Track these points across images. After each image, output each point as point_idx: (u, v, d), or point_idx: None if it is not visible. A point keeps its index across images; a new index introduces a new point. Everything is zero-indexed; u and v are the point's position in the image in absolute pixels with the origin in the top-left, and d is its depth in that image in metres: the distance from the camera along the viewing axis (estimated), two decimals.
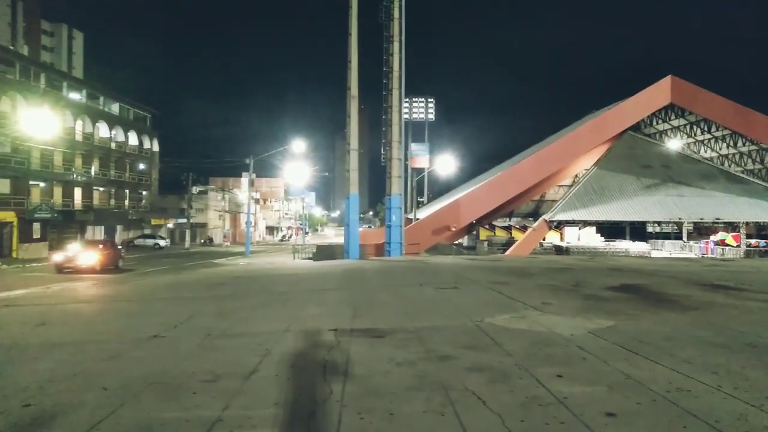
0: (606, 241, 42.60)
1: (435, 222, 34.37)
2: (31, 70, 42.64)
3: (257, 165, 46.53)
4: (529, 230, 37.71)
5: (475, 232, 44.55)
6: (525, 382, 4.77)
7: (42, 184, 41.92)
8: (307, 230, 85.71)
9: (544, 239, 38.66)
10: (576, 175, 43.21)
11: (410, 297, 10.71)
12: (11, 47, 53.94)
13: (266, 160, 49.81)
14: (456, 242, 45.37)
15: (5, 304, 12.49)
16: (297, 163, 55.79)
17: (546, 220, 35.82)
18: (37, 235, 38.14)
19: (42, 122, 36.46)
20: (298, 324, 7.92)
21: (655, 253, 37.21)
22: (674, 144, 45.08)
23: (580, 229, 41.13)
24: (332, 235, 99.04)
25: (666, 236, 49.34)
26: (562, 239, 41.30)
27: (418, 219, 40.60)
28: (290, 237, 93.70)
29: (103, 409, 4.39)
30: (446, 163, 54.50)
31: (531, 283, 12.55)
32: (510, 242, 39.65)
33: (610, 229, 45.78)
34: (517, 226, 46.53)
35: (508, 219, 49.86)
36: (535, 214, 46.45)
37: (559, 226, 39.11)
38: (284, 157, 54.20)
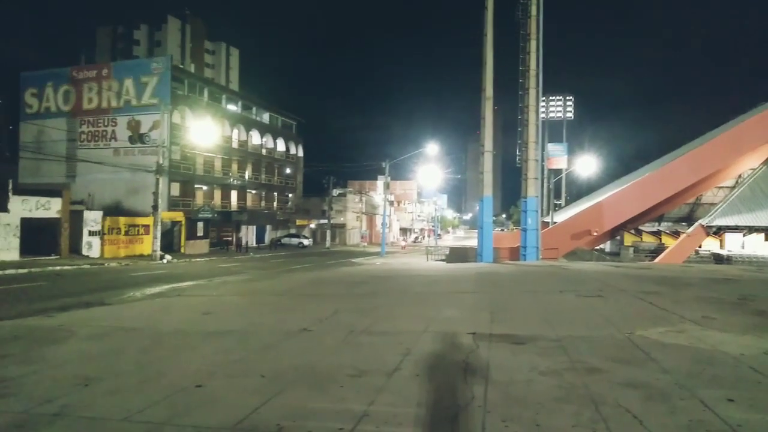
0: None
1: (574, 225, 32.62)
2: (196, 85, 47.93)
3: (392, 168, 47.84)
4: (683, 236, 34.28)
5: (619, 237, 41.57)
6: (688, 403, 4.35)
7: (204, 188, 46.90)
8: (439, 232, 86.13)
9: (699, 246, 34.92)
10: (739, 176, 38.41)
11: (550, 303, 10.30)
12: (181, 66, 61.12)
13: (400, 163, 51.11)
14: (597, 248, 42.72)
15: (177, 294, 14.19)
16: (430, 165, 56.42)
17: (703, 226, 32.28)
18: (200, 233, 42.74)
19: (205, 132, 40.80)
20: (436, 325, 8.00)
21: None
22: None
23: (744, 235, 36.55)
24: (464, 238, 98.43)
25: None
26: (722, 247, 37.02)
27: (555, 222, 38.84)
28: (422, 239, 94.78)
29: (261, 395, 4.81)
30: (587, 164, 51.56)
31: (687, 294, 11.42)
32: (659, 249, 36.38)
33: None
34: (668, 232, 42.62)
35: (656, 224, 45.89)
36: (688, 219, 42.17)
37: (718, 232, 35.08)
38: (418, 160, 55.13)
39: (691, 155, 33.71)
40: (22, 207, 27.00)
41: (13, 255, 26.05)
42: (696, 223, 33.91)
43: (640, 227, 41.90)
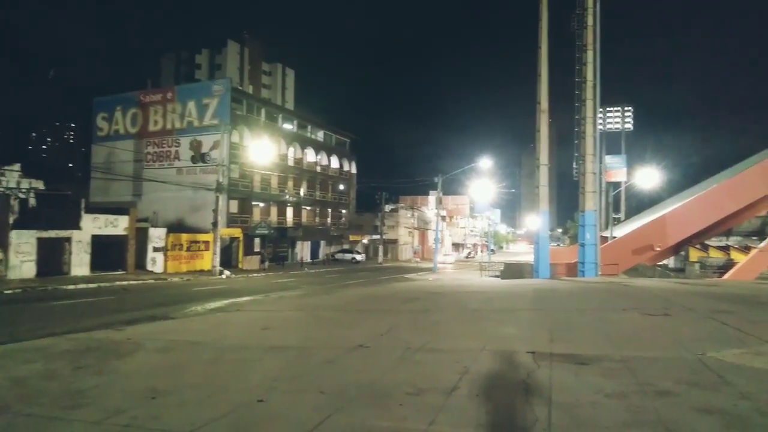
0: None
1: (635, 240, 31.38)
2: (254, 105, 49.54)
3: (444, 183, 47.61)
4: (755, 251, 32.33)
5: (683, 253, 39.60)
6: None
7: (261, 205, 48.17)
8: (492, 248, 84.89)
9: None
10: None
11: (612, 322, 9.91)
12: (240, 87, 63.44)
13: (453, 177, 50.77)
14: (660, 263, 40.88)
15: (237, 308, 14.57)
16: (482, 180, 55.80)
17: None
18: (257, 248, 43.83)
19: (262, 150, 42.01)
20: (494, 343, 7.85)
21: None
22: None
23: None
24: (518, 253, 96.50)
25: None
26: None
27: (614, 237, 37.49)
28: (474, 254, 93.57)
29: (322, 411, 4.85)
30: (648, 176, 49.60)
31: (763, 313, 10.74)
32: (728, 265, 34.39)
33: None
34: (738, 247, 40.25)
35: (725, 238, 43.47)
36: (760, 233, 39.74)
37: None
38: (470, 175, 54.68)
39: (762, 165, 31.86)
40: (92, 225, 28.55)
41: (85, 270, 27.53)
42: None
43: (707, 242, 39.80)
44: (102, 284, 23.77)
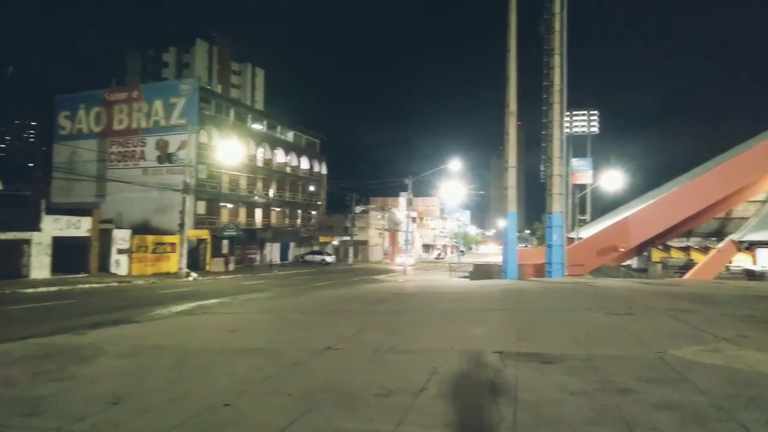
0: None
1: (600, 242, 32.10)
2: (223, 105, 48.84)
3: (415, 185, 47.74)
4: (713, 252, 33.46)
5: (646, 253, 40.70)
6: (726, 426, 4.22)
7: (230, 206, 47.50)
8: (462, 249, 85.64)
9: (730, 262, 34.01)
10: None
11: (578, 322, 10.12)
12: (208, 87, 62.45)
13: (423, 179, 50.98)
14: (624, 264, 41.89)
15: (203, 311, 14.33)
16: (452, 182, 56.20)
17: (734, 241, 31.52)
18: (224, 250, 43.16)
19: (231, 151, 41.44)
20: (462, 344, 7.91)
21: None
22: None
23: None
24: (487, 254, 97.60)
25: None
26: (754, 262, 35.97)
27: (580, 238, 38.26)
28: (444, 255, 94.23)
29: (289, 414, 4.81)
30: (612, 179, 50.78)
31: (720, 312, 11.11)
32: (688, 265, 35.50)
33: None
34: (697, 247, 41.57)
35: (686, 239, 44.84)
36: (719, 234, 41.11)
37: (750, 247, 34.14)
38: (441, 176, 54.98)
39: (721, 169, 33.01)
40: (53, 226, 27.68)
41: (45, 273, 26.68)
42: (727, 238, 33.10)
43: (669, 243, 41.01)
44: (63, 287, 23.08)
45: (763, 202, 36.86)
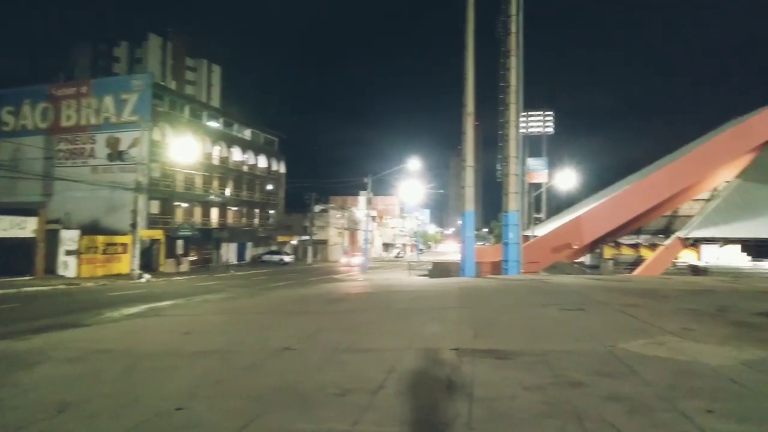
0: (753, 261, 38.06)
1: (555, 239, 32.94)
2: (177, 102, 47.68)
3: (374, 184, 47.89)
4: (661, 248, 34.82)
5: (598, 250, 42.00)
6: (670, 416, 4.39)
7: (184, 205, 46.40)
8: (421, 247, 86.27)
9: (677, 258, 35.49)
10: (715, 188, 39.28)
11: (533, 318, 10.34)
12: (162, 83, 60.79)
13: (383, 178, 51.14)
14: (577, 261, 43.11)
15: (156, 314, 13.94)
16: (412, 181, 56.60)
17: (680, 238, 32.90)
18: (180, 251, 42.20)
19: (186, 149, 40.51)
20: (420, 341, 7.96)
21: None
22: None
23: (720, 247, 37.24)
24: (446, 252, 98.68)
25: None
26: (698, 258, 37.66)
27: (535, 236, 39.15)
28: (404, 254, 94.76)
29: (244, 416, 4.72)
30: (567, 178, 52.25)
31: (667, 306, 11.56)
32: (638, 261, 36.85)
33: (759, 248, 40.82)
34: (646, 244, 43.19)
35: (635, 236, 46.52)
36: (666, 231, 42.83)
37: (695, 243, 35.73)
38: (400, 176, 55.25)
39: (668, 169, 34.43)
40: None
41: None
42: (673, 236, 34.52)
43: (619, 240, 42.43)
44: (6, 290, 22.05)
45: (707, 200, 38.67)
